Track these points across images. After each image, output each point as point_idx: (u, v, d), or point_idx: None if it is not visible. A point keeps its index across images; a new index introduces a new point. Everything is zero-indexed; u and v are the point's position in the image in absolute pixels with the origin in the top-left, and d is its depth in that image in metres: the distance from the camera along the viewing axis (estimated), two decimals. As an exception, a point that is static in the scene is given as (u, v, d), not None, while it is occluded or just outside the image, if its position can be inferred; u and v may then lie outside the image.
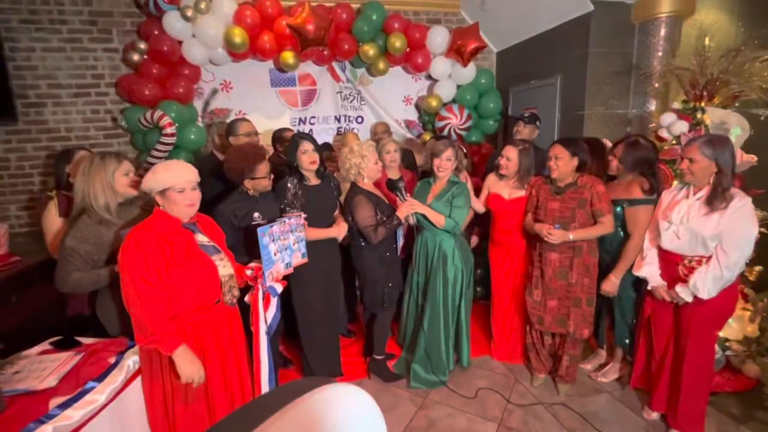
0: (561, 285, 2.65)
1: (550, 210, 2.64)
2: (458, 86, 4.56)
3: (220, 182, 2.53)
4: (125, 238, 1.71)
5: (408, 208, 2.68)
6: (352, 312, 3.84)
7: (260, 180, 2.39)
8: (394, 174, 3.16)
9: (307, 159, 2.55)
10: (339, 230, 2.64)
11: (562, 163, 2.57)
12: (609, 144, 2.94)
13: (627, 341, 2.82)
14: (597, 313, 2.96)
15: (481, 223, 3.27)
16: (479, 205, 3.11)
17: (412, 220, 2.83)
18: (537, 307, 2.77)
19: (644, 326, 2.57)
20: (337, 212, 2.75)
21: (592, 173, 2.79)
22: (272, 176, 2.47)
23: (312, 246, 2.46)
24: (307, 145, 2.54)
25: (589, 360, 3.15)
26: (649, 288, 2.43)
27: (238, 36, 3.72)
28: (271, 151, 3.74)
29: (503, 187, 2.98)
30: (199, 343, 1.86)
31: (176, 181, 1.76)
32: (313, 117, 4.64)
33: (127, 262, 1.68)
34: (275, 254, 2.14)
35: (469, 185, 3.00)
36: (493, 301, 3.23)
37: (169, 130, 3.49)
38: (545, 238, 2.55)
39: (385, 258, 2.76)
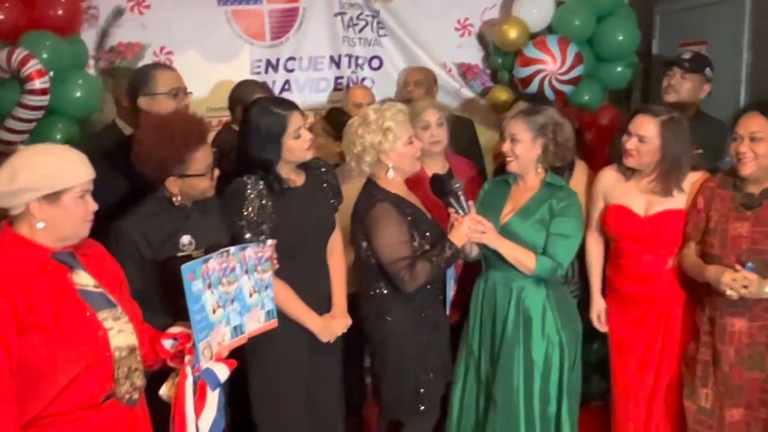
0: (752, 380, 2.27)
1: (733, 237, 2.26)
2: (558, 2, 3.92)
3: (124, 178, 2.25)
4: None
5: (472, 230, 2.24)
6: (357, 414, 3.23)
7: (195, 179, 2.03)
8: (436, 165, 2.70)
9: (302, 145, 2.21)
10: (327, 326, 2.27)
11: (766, 148, 2.12)
12: None
13: None
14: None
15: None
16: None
17: (475, 252, 2.39)
18: (706, 420, 2.34)
19: None
20: (339, 301, 2.38)
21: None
22: (217, 171, 2.09)
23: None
24: (298, 119, 2.20)
25: None
26: None
27: None
28: (218, 124, 3.39)
29: (635, 193, 2.50)
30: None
31: (79, 179, 1.59)
32: (292, 58, 4.00)
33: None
34: (214, 311, 1.85)
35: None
36: (614, 405, 2.63)
37: (38, 83, 3.06)
38: (725, 292, 2.10)
39: (424, 320, 2.33)
